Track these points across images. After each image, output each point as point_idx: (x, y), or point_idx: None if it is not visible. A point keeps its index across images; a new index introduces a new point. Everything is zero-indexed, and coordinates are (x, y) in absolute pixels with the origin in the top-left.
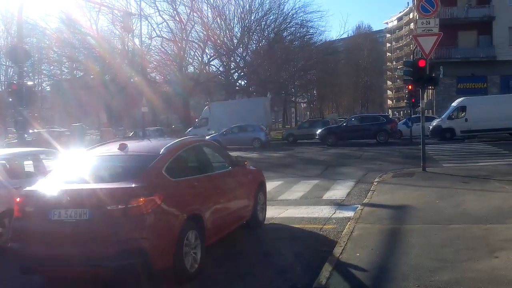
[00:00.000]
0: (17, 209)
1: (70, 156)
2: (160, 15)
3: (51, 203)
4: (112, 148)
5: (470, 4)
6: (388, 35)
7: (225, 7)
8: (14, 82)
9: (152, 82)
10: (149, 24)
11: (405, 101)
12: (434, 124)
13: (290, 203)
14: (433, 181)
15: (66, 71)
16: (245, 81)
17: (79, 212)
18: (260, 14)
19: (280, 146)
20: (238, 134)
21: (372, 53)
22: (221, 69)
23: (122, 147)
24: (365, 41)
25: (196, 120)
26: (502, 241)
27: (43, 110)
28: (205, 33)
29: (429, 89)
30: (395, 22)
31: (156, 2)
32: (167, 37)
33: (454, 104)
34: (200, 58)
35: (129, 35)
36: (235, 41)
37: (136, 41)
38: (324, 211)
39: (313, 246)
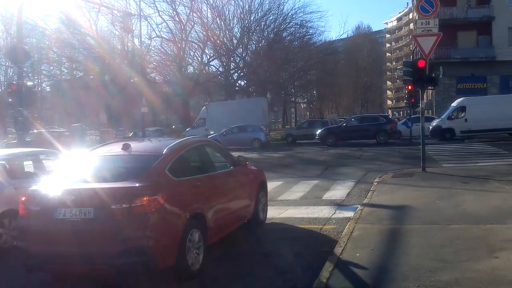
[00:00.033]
0: (22, 208)
1: (74, 156)
2: (159, 15)
3: (56, 202)
4: (116, 148)
5: (469, 5)
6: (387, 36)
7: (224, 7)
8: (14, 82)
9: (151, 83)
10: (149, 25)
11: (405, 101)
12: (434, 124)
13: (290, 203)
14: (433, 181)
15: (65, 71)
16: (245, 82)
17: (83, 211)
18: (259, 15)
19: (280, 147)
20: (238, 135)
21: (372, 54)
22: (220, 69)
23: (126, 147)
24: (365, 42)
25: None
26: (502, 241)
27: (42, 110)
28: (204, 33)
29: (429, 89)
30: (395, 23)
31: (156, 3)
32: (167, 38)
33: (453, 104)
34: (199, 59)
35: (129, 36)
36: (235, 41)
37: (136, 41)
38: (324, 211)
39: (313, 246)
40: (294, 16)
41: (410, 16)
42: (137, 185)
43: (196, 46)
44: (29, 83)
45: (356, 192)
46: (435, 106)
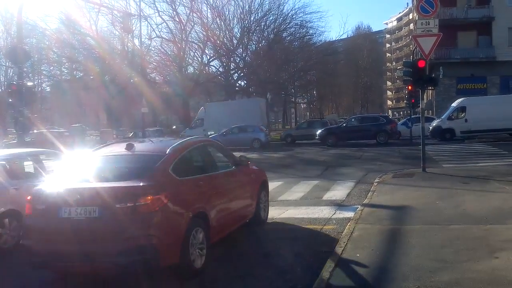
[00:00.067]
0: (28, 207)
1: (77, 156)
2: (159, 15)
3: (61, 201)
4: (119, 148)
5: (469, 5)
6: (387, 36)
7: (224, 7)
8: (14, 82)
9: (152, 83)
10: (149, 25)
11: (405, 101)
12: (434, 124)
13: (290, 203)
14: (433, 182)
15: (65, 71)
16: (245, 82)
17: (88, 210)
18: (259, 15)
19: (280, 147)
20: (238, 135)
21: (372, 54)
22: (220, 69)
23: (129, 147)
24: (365, 42)
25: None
26: (502, 242)
27: (43, 110)
28: (204, 33)
29: (429, 89)
30: (395, 23)
31: (156, 3)
32: (167, 38)
33: (454, 104)
34: (199, 59)
35: (129, 36)
36: (235, 41)
37: (136, 41)
38: (324, 212)
39: (313, 246)
40: (294, 16)
41: (410, 17)
42: (141, 184)
43: (196, 47)
44: (29, 84)
45: (356, 192)
46: (435, 106)
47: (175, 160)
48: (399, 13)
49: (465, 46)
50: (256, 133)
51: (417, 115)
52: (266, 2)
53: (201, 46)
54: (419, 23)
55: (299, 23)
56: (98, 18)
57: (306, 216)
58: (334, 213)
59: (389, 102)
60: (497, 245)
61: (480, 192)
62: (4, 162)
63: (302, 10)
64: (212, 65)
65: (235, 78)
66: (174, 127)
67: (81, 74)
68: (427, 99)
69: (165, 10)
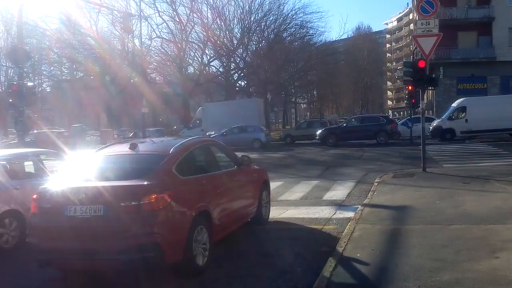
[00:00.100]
0: (34, 206)
1: (82, 155)
2: (160, 16)
3: (66, 200)
4: (123, 148)
5: (469, 5)
6: (388, 36)
7: (224, 8)
8: (14, 83)
9: (152, 83)
10: (149, 25)
11: (405, 101)
12: (435, 124)
13: (291, 203)
14: (434, 182)
15: (66, 71)
16: (245, 82)
17: (93, 208)
18: (260, 15)
19: (280, 147)
20: (239, 135)
21: (372, 54)
22: (221, 69)
23: (133, 147)
24: (365, 42)
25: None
26: (502, 242)
27: (43, 110)
28: (205, 34)
29: (429, 89)
30: (395, 23)
31: (156, 3)
32: (167, 38)
33: (454, 104)
34: (200, 59)
35: (129, 36)
36: (235, 42)
37: (136, 42)
38: (324, 212)
39: (314, 246)
40: (294, 16)
41: (410, 17)
42: (145, 183)
43: (196, 47)
44: (30, 84)
45: (357, 192)
46: (436, 106)
47: (179, 159)
48: (399, 13)
49: (465, 46)
50: (257, 133)
51: (417, 115)
52: (266, 3)
53: (201, 46)
54: (419, 23)
55: (299, 23)
56: (98, 19)
57: (306, 216)
58: (335, 213)
59: (389, 102)
60: (498, 245)
61: (480, 192)
62: (4, 162)
63: (302, 10)
64: (212, 65)
65: (235, 78)
66: (175, 127)
67: (81, 74)
68: (427, 99)
69: (165, 10)
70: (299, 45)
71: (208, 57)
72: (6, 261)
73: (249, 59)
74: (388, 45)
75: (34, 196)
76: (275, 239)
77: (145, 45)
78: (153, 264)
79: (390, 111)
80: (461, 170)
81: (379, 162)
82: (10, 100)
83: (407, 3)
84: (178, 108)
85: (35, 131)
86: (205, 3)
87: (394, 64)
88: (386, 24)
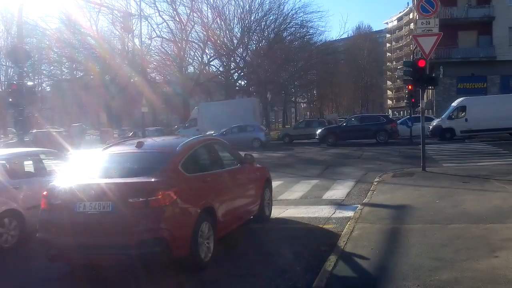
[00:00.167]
0: (44, 202)
1: (90, 154)
2: (160, 15)
3: (76, 196)
4: (130, 147)
5: (470, 4)
6: (388, 35)
7: (225, 7)
8: (14, 82)
9: (152, 83)
10: (149, 25)
11: (405, 101)
12: (434, 124)
13: (290, 203)
14: (433, 181)
15: (66, 71)
16: (245, 81)
17: (102, 204)
18: (260, 15)
19: (280, 146)
20: (238, 134)
21: (372, 53)
22: (221, 69)
23: (140, 145)
24: (365, 41)
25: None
26: (502, 241)
27: (43, 110)
28: (205, 33)
29: (429, 89)
30: (395, 22)
31: (156, 3)
32: (167, 38)
33: (454, 104)
34: (200, 59)
35: (129, 36)
36: (235, 41)
37: (136, 41)
38: (324, 211)
39: (313, 245)
40: (294, 16)
41: (411, 16)
42: (152, 180)
43: (197, 46)
44: (30, 83)
45: (356, 191)
46: (435, 106)
47: (184, 157)
48: (400, 12)
49: (465, 46)
50: (256, 133)
51: (417, 115)
52: (267, 2)
53: (201, 45)
54: (420, 22)
55: (299, 23)
56: (98, 18)
57: (306, 215)
58: (334, 212)
59: (389, 102)
60: (497, 244)
61: (480, 192)
62: (4, 162)
63: (303, 9)
64: (212, 65)
65: (235, 78)
66: (176, 126)
67: (81, 74)
68: (427, 99)
69: (166, 10)
70: (299, 44)
71: (208, 57)
72: (6, 260)
73: (249, 59)
74: (388, 45)
75: (44, 193)
76: (275, 238)
77: (145, 45)
78: (160, 259)
79: (390, 111)
80: (460, 170)
81: (379, 161)
82: (10, 100)
83: (407, 3)
84: (178, 107)
85: (34, 131)
86: (205, 3)
87: (394, 63)
88: (386, 23)
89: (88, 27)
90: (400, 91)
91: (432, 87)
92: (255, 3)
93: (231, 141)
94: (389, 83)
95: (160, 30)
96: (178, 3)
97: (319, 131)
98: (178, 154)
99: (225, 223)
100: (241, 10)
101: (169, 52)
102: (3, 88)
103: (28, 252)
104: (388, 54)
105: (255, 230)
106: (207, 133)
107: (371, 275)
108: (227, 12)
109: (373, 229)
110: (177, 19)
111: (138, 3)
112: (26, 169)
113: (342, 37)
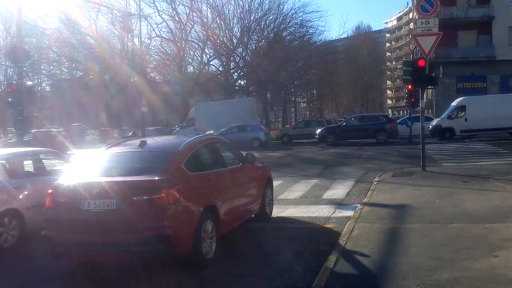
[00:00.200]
0: (49, 200)
1: (94, 153)
2: (159, 15)
3: (81, 194)
4: (133, 146)
5: (469, 4)
6: (387, 35)
7: (224, 7)
8: (14, 82)
9: (151, 82)
10: (149, 24)
11: (405, 100)
12: (434, 123)
13: (290, 202)
14: (433, 181)
15: (65, 71)
16: (245, 81)
17: (107, 202)
18: (259, 14)
19: (280, 146)
20: (238, 134)
21: (372, 53)
22: (220, 69)
23: (143, 144)
24: (365, 41)
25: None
26: (502, 240)
27: (42, 110)
28: (204, 33)
29: (429, 88)
30: (395, 22)
31: (156, 2)
32: (167, 37)
33: (453, 103)
34: (199, 58)
35: (129, 35)
36: (235, 41)
37: (136, 41)
38: (323, 211)
39: (313, 245)
40: (294, 15)
41: (410, 16)
42: (156, 178)
43: (196, 46)
44: (29, 83)
45: (356, 191)
46: (435, 105)
47: (187, 156)
48: (399, 12)
49: (465, 45)
50: (256, 132)
51: (417, 114)
52: (266, 2)
53: (201, 45)
54: (419, 22)
55: (299, 23)
56: (98, 18)
57: (305, 215)
58: (334, 212)
59: (389, 101)
60: (497, 243)
61: (479, 191)
62: (4, 161)
63: (302, 9)
64: (212, 65)
65: (235, 78)
66: (176, 126)
67: (81, 74)
68: (427, 98)
69: (165, 9)
70: (299, 44)
71: (208, 56)
72: (6, 260)
73: (248, 58)
74: (388, 44)
75: (49, 191)
76: (275, 238)
77: (144, 44)
78: (163, 256)
79: (389, 110)
80: (460, 169)
81: (379, 161)
82: (10, 99)
83: (407, 2)
84: (177, 107)
85: (34, 130)
86: (204, 2)
87: (394, 63)
88: (386, 23)
89: (88, 26)
90: (399, 91)
91: (432, 87)
92: (254, 2)
93: (231, 141)
94: (388, 82)
95: (159, 29)
96: (178, 3)
97: (318, 130)
98: (181, 153)
99: (227, 221)
100: (241, 9)
101: (169, 52)
102: (2, 87)
103: (28, 252)
104: (388, 53)
105: (255, 230)
106: (207, 133)
107: (371, 274)
108: (227, 11)
109: (373, 228)
110: (177, 19)
111: (138, 2)
112: (26, 168)
113: (341, 36)
